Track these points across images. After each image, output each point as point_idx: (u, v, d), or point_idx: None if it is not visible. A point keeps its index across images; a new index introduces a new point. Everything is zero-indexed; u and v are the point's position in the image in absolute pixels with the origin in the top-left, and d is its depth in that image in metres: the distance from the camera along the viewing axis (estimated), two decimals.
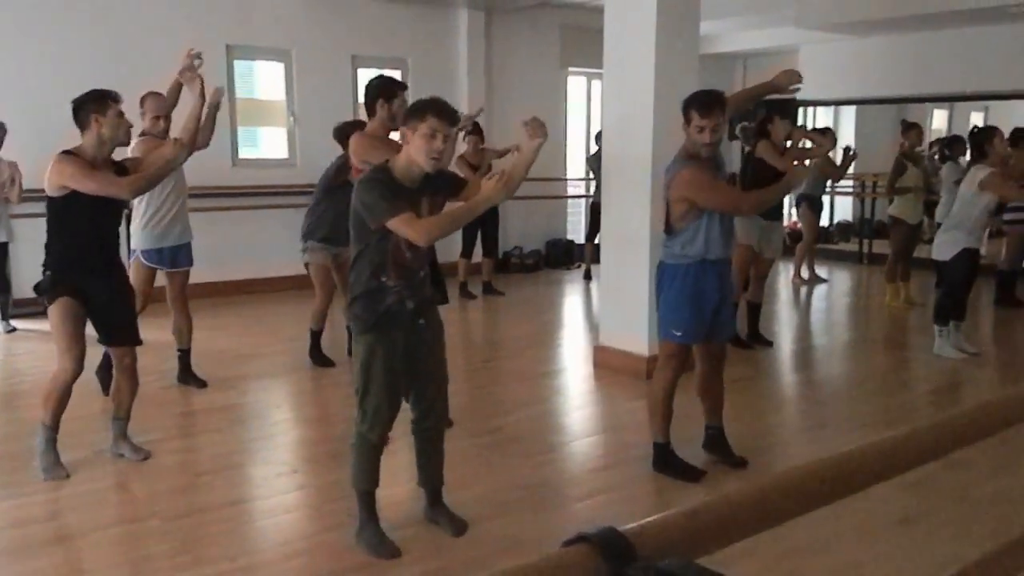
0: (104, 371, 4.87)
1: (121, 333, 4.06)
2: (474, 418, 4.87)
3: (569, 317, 8.44)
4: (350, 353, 3.69)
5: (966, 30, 9.41)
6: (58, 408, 3.90)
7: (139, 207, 5.06)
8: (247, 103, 8.66)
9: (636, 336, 5.58)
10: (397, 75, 9.40)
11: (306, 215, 5.81)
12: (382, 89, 4.13)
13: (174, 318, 5.30)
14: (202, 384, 5.32)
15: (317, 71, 8.70)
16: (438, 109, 2.95)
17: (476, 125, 8.37)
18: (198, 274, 7.94)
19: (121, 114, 3.80)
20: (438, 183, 3.12)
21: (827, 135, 8.52)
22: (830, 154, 8.61)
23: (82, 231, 3.81)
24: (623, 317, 5.71)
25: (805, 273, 9.39)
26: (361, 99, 9.30)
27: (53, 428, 3.93)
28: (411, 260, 3.09)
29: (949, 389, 5.66)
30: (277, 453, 4.45)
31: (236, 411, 5.03)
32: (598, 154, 9.01)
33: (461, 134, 8.40)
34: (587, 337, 6.90)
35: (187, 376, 5.34)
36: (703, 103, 3.69)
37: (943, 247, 6.01)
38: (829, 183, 9.41)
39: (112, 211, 3.93)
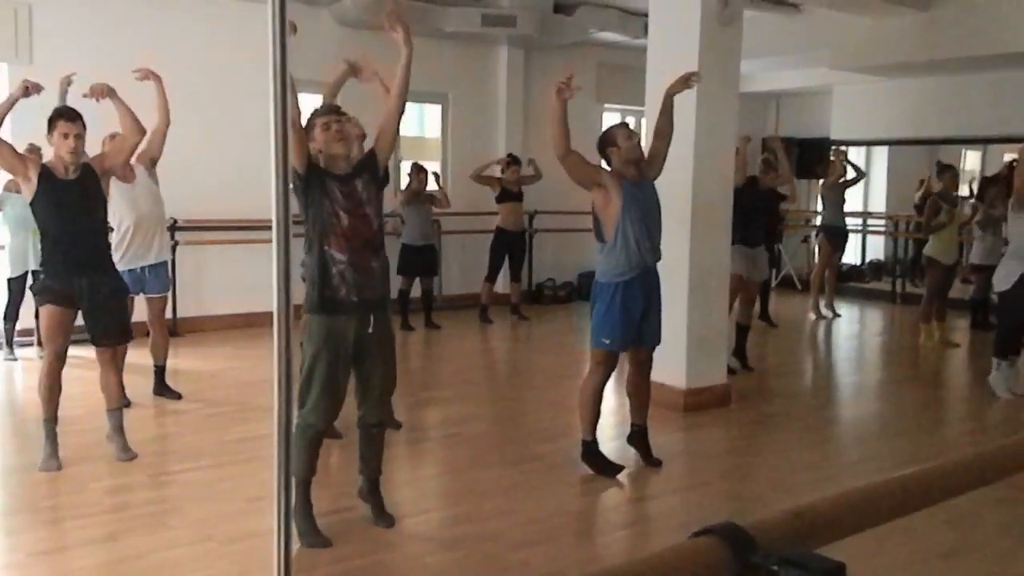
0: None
1: (105, 335, 4.39)
2: (515, 445, 4.96)
3: None
4: None
5: (998, 73, 9.49)
6: (49, 399, 4.26)
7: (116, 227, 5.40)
8: None
9: (673, 369, 5.64)
10: (437, 109, 9.69)
11: None
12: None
13: (151, 337, 5.65)
14: (177, 396, 5.67)
15: (362, 104, 8.91)
16: (324, 108, 3.58)
17: (515, 157, 8.70)
18: (244, 304, 8.23)
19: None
20: (367, 166, 3.58)
21: (839, 155, 9.36)
22: (840, 180, 9.23)
23: (63, 231, 4.19)
24: (659, 350, 5.77)
25: (822, 305, 9.36)
26: (403, 131, 9.57)
27: (49, 420, 4.28)
28: (348, 228, 3.40)
29: (991, 428, 5.65)
30: (326, 477, 4.55)
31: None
32: None
33: (497, 168, 8.79)
34: (622, 369, 6.97)
35: (162, 389, 5.70)
36: (623, 125, 4.51)
37: (1001, 278, 5.99)
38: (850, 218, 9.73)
39: (85, 210, 4.25)
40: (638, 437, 4.64)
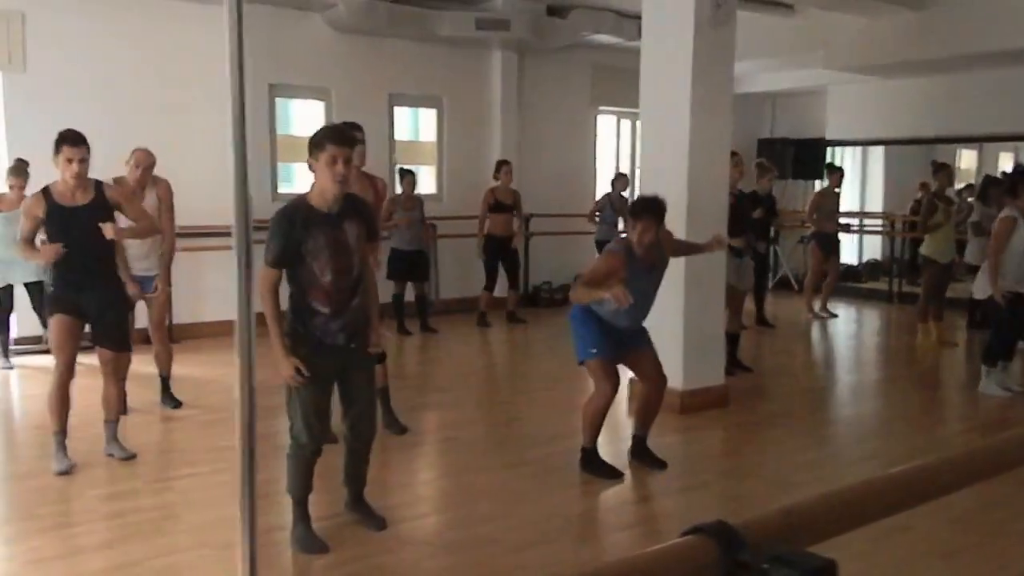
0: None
1: (105, 336, 4.46)
2: (513, 448, 4.95)
3: None
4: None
5: (993, 72, 9.50)
6: (59, 412, 4.33)
7: None
8: (285, 139, 8.88)
9: (670, 371, 5.59)
10: (432, 113, 9.67)
11: None
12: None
13: (153, 347, 5.65)
14: (177, 404, 5.67)
15: (356, 109, 8.92)
16: (334, 137, 3.26)
17: (503, 160, 8.76)
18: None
19: None
20: (357, 209, 3.42)
21: (836, 172, 9.20)
22: (836, 190, 9.17)
23: (72, 251, 4.23)
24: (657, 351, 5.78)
25: (817, 306, 9.41)
26: (398, 136, 9.59)
27: (59, 432, 4.35)
28: (330, 284, 3.33)
29: (988, 427, 5.66)
30: (322, 481, 4.53)
31: (277, 439, 5.12)
32: (613, 196, 9.47)
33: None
34: (620, 370, 6.96)
35: (166, 398, 5.70)
36: (644, 218, 4.23)
37: (979, 287, 6.08)
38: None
39: (93, 233, 4.28)
40: (639, 447, 4.64)
